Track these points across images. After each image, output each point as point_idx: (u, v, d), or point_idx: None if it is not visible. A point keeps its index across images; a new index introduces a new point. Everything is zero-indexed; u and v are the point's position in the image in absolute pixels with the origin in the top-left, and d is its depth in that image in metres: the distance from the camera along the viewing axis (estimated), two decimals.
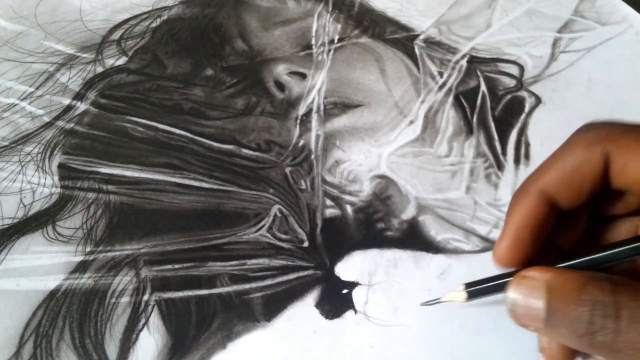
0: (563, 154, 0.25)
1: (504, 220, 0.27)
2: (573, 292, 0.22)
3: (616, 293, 0.21)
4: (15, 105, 0.41)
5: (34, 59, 0.44)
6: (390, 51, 0.45)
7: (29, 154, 0.38)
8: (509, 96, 0.42)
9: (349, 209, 0.36)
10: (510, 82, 0.42)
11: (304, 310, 0.32)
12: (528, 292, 0.23)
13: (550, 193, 0.25)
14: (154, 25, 0.47)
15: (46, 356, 0.30)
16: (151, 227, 0.35)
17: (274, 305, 0.32)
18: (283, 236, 0.35)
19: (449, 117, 0.40)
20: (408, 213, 0.36)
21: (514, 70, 0.43)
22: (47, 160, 0.38)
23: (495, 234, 0.35)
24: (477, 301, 0.32)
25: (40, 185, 0.37)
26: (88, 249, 0.34)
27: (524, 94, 0.42)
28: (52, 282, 0.32)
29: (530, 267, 0.24)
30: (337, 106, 0.41)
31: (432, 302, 0.29)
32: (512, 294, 0.24)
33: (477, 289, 0.27)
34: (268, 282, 0.33)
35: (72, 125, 0.40)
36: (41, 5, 0.48)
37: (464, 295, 0.27)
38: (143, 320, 0.31)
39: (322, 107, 0.41)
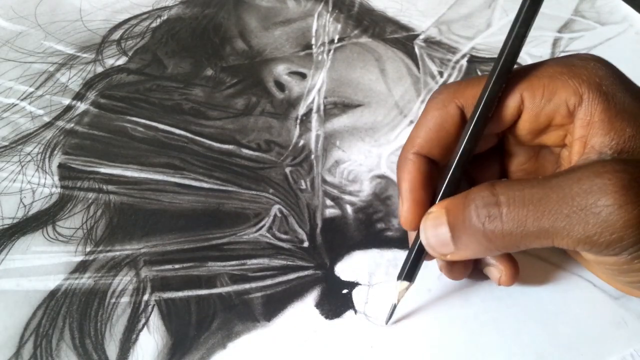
0: (425, 118, 0.29)
1: (398, 189, 0.30)
2: (460, 201, 0.26)
3: (492, 186, 0.25)
4: (15, 105, 0.41)
5: (34, 59, 0.44)
6: (390, 51, 0.45)
7: (29, 154, 0.38)
8: None
9: (349, 209, 0.36)
10: None
11: (304, 310, 0.32)
12: (434, 224, 0.27)
13: (425, 153, 0.29)
14: (154, 25, 0.47)
15: (46, 356, 0.30)
16: (151, 227, 0.35)
17: (274, 305, 0.32)
18: (283, 236, 0.35)
19: None
20: None
21: None
22: (47, 160, 0.38)
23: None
24: (477, 301, 0.32)
25: (40, 185, 0.37)
26: (88, 249, 0.34)
27: None
28: (52, 282, 0.32)
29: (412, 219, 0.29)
30: (337, 106, 0.41)
31: (390, 315, 0.30)
32: (423, 231, 0.28)
33: (408, 269, 0.29)
34: (268, 282, 0.33)
35: (72, 125, 0.40)
36: (41, 5, 0.48)
37: (404, 284, 0.29)
38: (143, 320, 0.31)
39: (322, 107, 0.41)
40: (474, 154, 0.28)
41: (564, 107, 0.27)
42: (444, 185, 0.28)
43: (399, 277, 0.30)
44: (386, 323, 0.31)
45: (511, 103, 0.28)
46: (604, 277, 0.31)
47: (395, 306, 0.30)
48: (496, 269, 0.30)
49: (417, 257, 0.29)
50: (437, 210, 0.27)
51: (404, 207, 0.29)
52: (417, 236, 0.29)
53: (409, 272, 0.29)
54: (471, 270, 0.31)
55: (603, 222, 0.23)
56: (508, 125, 0.29)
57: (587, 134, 0.26)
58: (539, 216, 0.24)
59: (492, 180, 0.26)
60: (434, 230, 0.27)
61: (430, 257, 0.30)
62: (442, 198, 0.28)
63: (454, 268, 0.30)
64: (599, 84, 0.26)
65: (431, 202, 0.29)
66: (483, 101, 0.27)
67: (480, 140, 0.28)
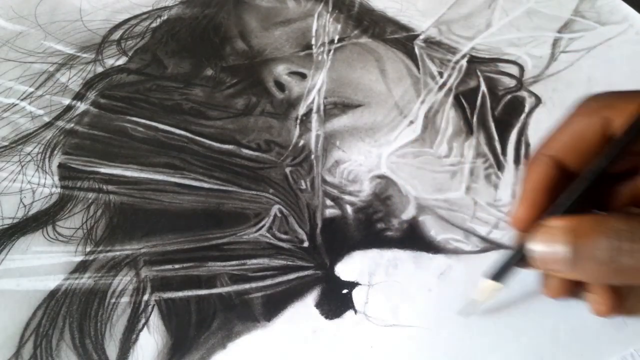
0: (568, 123, 0.28)
1: (522, 187, 0.29)
2: (594, 228, 0.25)
3: (630, 220, 0.24)
4: (15, 105, 0.41)
5: (34, 59, 0.44)
6: (390, 51, 0.45)
7: (29, 154, 0.38)
8: (509, 96, 0.42)
9: (349, 209, 0.36)
10: (510, 82, 0.42)
11: (304, 310, 0.32)
12: (551, 238, 0.26)
13: (558, 158, 0.28)
14: (154, 25, 0.47)
15: (46, 356, 0.30)
16: (151, 227, 0.35)
17: (274, 305, 0.32)
18: (283, 236, 0.35)
19: (449, 117, 0.40)
20: (408, 213, 0.36)
21: (514, 70, 0.43)
22: (47, 160, 0.38)
23: (495, 235, 0.35)
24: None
25: (40, 185, 0.37)
26: (88, 249, 0.34)
27: (524, 94, 0.42)
28: (52, 282, 0.32)
29: (545, 219, 0.27)
30: (337, 106, 0.41)
31: (469, 309, 0.30)
32: (536, 243, 0.26)
33: (501, 270, 0.29)
34: (268, 282, 0.33)
35: (72, 125, 0.40)
36: (41, 5, 0.48)
37: (495, 285, 0.29)
38: (143, 320, 0.31)
39: (322, 107, 0.41)
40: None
41: None
42: (571, 197, 0.27)
43: (489, 277, 0.29)
44: (465, 315, 0.31)
45: None
46: None
47: (475, 302, 0.30)
48: (598, 297, 0.29)
49: (513, 261, 0.28)
50: (558, 226, 0.26)
51: (521, 207, 0.28)
52: (521, 242, 0.28)
53: (500, 275, 0.29)
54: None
55: None
56: None
57: None
58: None
59: (629, 211, 0.25)
60: (551, 245, 0.26)
61: (526, 266, 0.28)
62: (565, 211, 0.27)
63: (555, 286, 0.30)
64: None
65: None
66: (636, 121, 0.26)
67: (622, 157, 0.27)
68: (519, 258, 0.28)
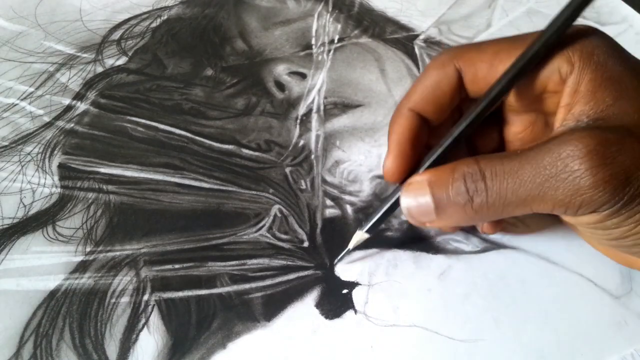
0: (423, 77, 0.30)
1: (388, 140, 0.31)
2: (447, 176, 0.27)
3: (478, 161, 0.26)
4: (15, 105, 0.41)
5: (34, 59, 0.44)
6: (390, 51, 0.45)
7: (29, 154, 0.38)
8: None
9: (349, 209, 0.36)
10: None
11: (304, 310, 0.32)
12: (415, 193, 0.28)
13: (418, 110, 0.30)
14: (154, 25, 0.47)
15: (46, 356, 0.30)
16: (151, 227, 0.35)
17: (274, 305, 0.32)
18: (283, 236, 0.35)
19: None
20: None
21: None
22: (47, 160, 0.38)
23: (495, 234, 0.35)
24: (477, 301, 0.32)
25: (40, 185, 0.37)
26: (88, 249, 0.34)
27: None
28: (52, 282, 0.32)
29: (395, 174, 0.30)
30: (337, 106, 0.41)
31: (341, 258, 0.33)
32: (404, 199, 0.29)
33: (373, 222, 0.31)
34: (268, 282, 0.33)
35: (72, 125, 0.40)
36: (41, 5, 0.48)
37: (364, 235, 0.32)
38: (143, 320, 0.31)
39: (322, 107, 0.41)
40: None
41: (556, 75, 0.27)
42: (434, 155, 0.29)
43: (361, 228, 0.32)
44: (335, 263, 0.33)
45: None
46: (591, 241, 0.32)
47: (348, 251, 0.33)
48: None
49: (386, 214, 0.31)
50: (420, 181, 0.28)
51: (389, 158, 0.30)
52: (392, 195, 0.30)
53: (372, 227, 0.31)
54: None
55: (572, 187, 0.25)
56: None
57: (572, 102, 0.27)
58: (517, 187, 0.26)
59: (476, 156, 0.27)
60: (415, 199, 0.28)
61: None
62: (429, 167, 0.29)
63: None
64: (590, 54, 0.27)
65: (415, 160, 0.30)
66: (511, 73, 0.27)
67: (484, 117, 0.29)
68: (389, 212, 0.31)
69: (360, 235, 0.32)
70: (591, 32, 0.27)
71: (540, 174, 0.25)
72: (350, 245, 0.32)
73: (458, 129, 0.28)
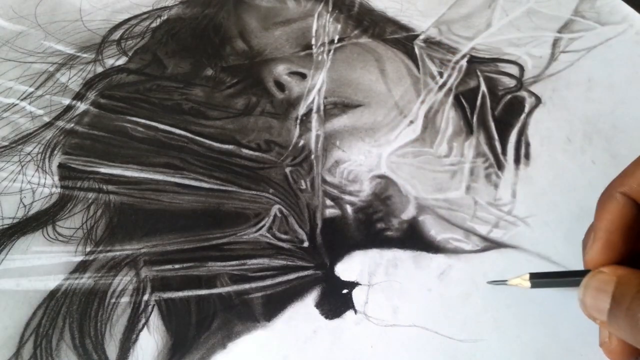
0: None
1: (594, 225, 0.27)
2: (634, 287, 0.23)
3: None
4: (15, 105, 0.41)
5: (34, 59, 0.44)
6: (390, 51, 0.45)
7: (29, 154, 0.38)
8: (509, 96, 0.42)
9: (349, 209, 0.36)
10: (510, 82, 0.42)
11: (304, 310, 0.31)
12: (599, 286, 0.25)
13: (634, 196, 0.26)
14: (154, 25, 0.47)
15: (46, 356, 0.30)
16: (151, 227, 0.35)
17: (274, 305, 0.32)
18: (283, 236, 0.35)
19: (449, 117, 0.40)
20: (408, 213, 0.36)
21: (514, 70, 0.43)
22: (47, 160, 0.38)
23: (495, 234, 0.35)
24: (477, 301, 0.32)
25: (40, 185, 0.37)
26: (88, 249, 0.34)
27: (524, 94, 0.42)
28: (52, 282, 0.32)
29: (598, 264, 0.26)
30: (337, 106, 0.41)
31: (498, 282, 0.31)
32: (583, 288, 0.26)
33: (543, 281, 0.30)
34: (268, 282, 0.33)
35: (72, 125, 0.40)
36: (41, 5, 0.48)
37: (528, 284, 0.30)
38: (143, 320, 0.31)
39: (322, 107, 0.41)
40: None
41: None
42: None
43: (532, 277, 0.30)
44: (488, 283, 0.32)
45: None
46: None
47: (504, 283, 0.31)
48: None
49: (557, 283, 0.30)
50: (609, 275, 0.25)
51: (595, 247, 0.27)
52: (572, 273, 0.28)
53: (539, 283, 0.30)
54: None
55: None
56: None
57: None
58: None
59: None
60: (596, 292, 0.25)
61: None
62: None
63: (615, 347, 0.28)
64: None
65: (625, 250, 0.27)
66: None
67: None
68: (566, 282, 0.29)
69: (521, 282, 0.30)
70: None
71: None
72: (511, 283, 0.30)
73: None
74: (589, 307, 0.26)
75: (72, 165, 0.38)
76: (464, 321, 0.31)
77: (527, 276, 0.30)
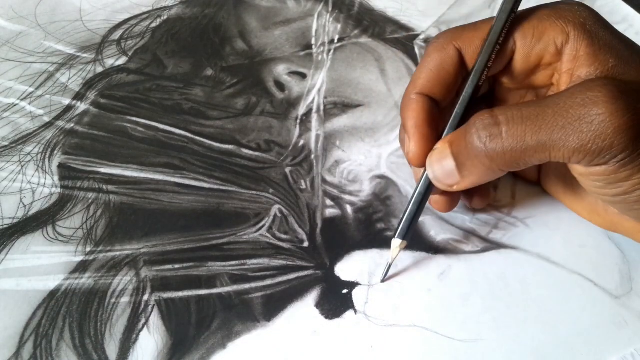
0: (426, 60, 0.31)
1: (403, 129, 0.32)
2: (463, 131, 0.28)
3: (491, 110, 0.27)
4: (15, 105, 0.41)
5: (34, 59, 0.44)
6: (390, 51, 0.45)
7: (29, 154, 0.38)
8: None
9: (349, 209, 0.36)
10: None
11: (304, 310, 0.32)
12: (439, 157, 0.29)
13: (426, 92, 0.31)
14: (154, 25, 0.47)
15: (46, 356, 0.30)
16: (151, 227, 0.35)
17: (274, 305, 0.32)
18: (283, 236, 0.35)
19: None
20: None
21: None
22: (47, 160, 0.38)
23: (495, 235, 0.35)
24: (477, 301, 0.32)
25: (40, 185, 0.37)
26: (88, 249, 0.34)
27: None
28: (52, 282, 0.32)
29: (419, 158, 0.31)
30: (337, 106, 0.41)
31: (385, 274, 0.32)
32: (429, 167, 0.30)
33: (403, 226, 0.31)
34: (268, 282, 0.33)
35: (72, 125, 0.40)
36: (41, 5, 0.48)
37: (401, 242, 0.31)
38: (143, 320, 0.31)
39: (322, 107, 0.41)
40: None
41: (552, 46, 0.29)
42: (450, 121, 0.30)
43: (396, 236, 0.31)
44: (382, 281, 0.32)
45: (505, 46, 0.30)
46: (591, 201, 0.33)
47: (389, 265, 0.32)
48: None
49: (415, 213, 0.31)
50: (442, 145, 0.29)
51: (412, 143, 0.31)
52: (417, 186, 0.31)
53: (403, 229, 0.31)
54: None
55: (596, 130, 0.25)
56: (503, 67, 0.31)
57: (574, 67, 0.29)
58: (536, 130, 0.26)
59: (491, 108, 0.28)
60: (439, 163, 0.29)
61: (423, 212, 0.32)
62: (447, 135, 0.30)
63: (445, 200, 0.32)
64: (583, 24, 0.29)
65: (436, 140, 0.30)
66: (488, 43, 0.30)
67: (483, 79, 0.30)
68: (417, 208, 0.31)
69: (397, 244, 0.31)
70: (578, 5, 0.30)
71: (563, 116, 0.26)
72: (391, 259, 0.32)
73: (467, 92, 0.30)
74: (441, 178, 0.30)
75: (72, 165, 0.38)
76: (464, 321, 0.31)
77: (394, 241, 0.31)
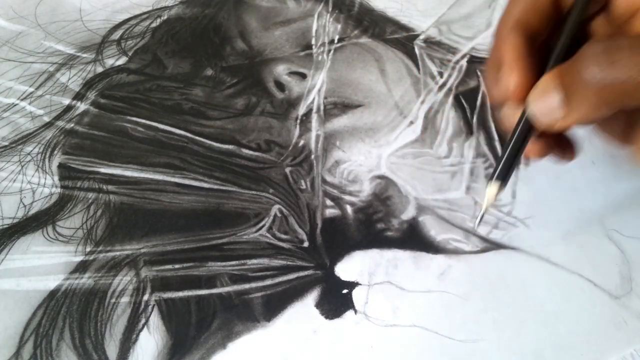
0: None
1: (493, 67, 0.29)
2: (573, 62, 0.25)
3: (605, 40, 0.25)
4: (15, 105, 0.41)
5: (34, 59, 0.44)
6: (390, 51, 0.45)
7: (29, 154, 0.38)
8: None
9: (349, 209, 0.36)
10: None
11: (304, 310, 0.32)
12: (542, 91, 0.27)
13: (523, 23, 0.29)
14: (154, 25, 0.47)
15: (46, 356, 0.30)
16: (151, 227, 0.35)
17: (274, 305, 0.32)
18: (283, 236, 0.35)
19: (449, 118, 0.40)
20: (408, 213, 0.36)
21: None
22: (47, 160, 0.38)
23: (495, 235, 0.35)
24: (477, 301, 0.32)
25: (40, 185, 0.37)
26: (88, 249, 0.34)
27: None
28: (52, 282, 0.32)
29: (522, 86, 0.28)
30: (337, 106, 0.41)
31: (480, 218, 0.29)
32: (531, 103, 0.27)
33: (502, 168, 0.28)
34: (268, 282, 0.33)
35: (72, 125, 0.40)
36: (41, 5, 0.48)
37: (497, 186, 0.28)
38: (143, 320, 0.31)
39: (322, 107, 0.41)
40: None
41: None
42: (555, 52, 0.28)
43: (490, 178, 0.28)
44: (475, 227, 0.31)
45: None
46: None
47: (484, 212, 0.29)
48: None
49: (515, 156, 0.28)
50: (548, 77, 0.27)
51: (514, 76, 0.28)
52: (516, 127, 0.28)
53: (502, 172, 0.28)
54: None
55: None
56: (601, 5, 0.29)
57: None
58: None
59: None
60: (544, 97, 0.27)
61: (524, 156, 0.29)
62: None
63: (540, 146, 0.29)
64: None
65: (537, 74, 0.28)
66: None
67: (588, 8, 0.28)
68: (517, 149, 0.28)
69: (495, 187, 0.28)
70: None
71: None
72: (486, 203, 0.28)
73: (571, 22, 0.28)
74: (544, 114, 0.27)
75: (72, 165, 0.38)
76: (464, 321, 0.31)
77: (490, 185, 0.28)
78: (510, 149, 0.28)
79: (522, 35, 0.29)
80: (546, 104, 0.27)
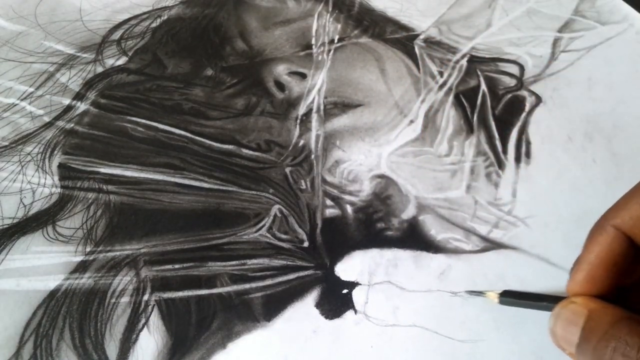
0: (636, 192, 0.25)
1: (581, 255, 0.26)
2: (604, 325, 0.23)
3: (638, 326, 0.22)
4: (15, 105, 0.41)
5: (34, 59, 0.44)
6: (390, 51, 0.45)
7: (29, 154, 0.38)
8: (509, 95, 0.42)
9: (349, 208, 0.36)
10: (511, 82, 0.42)
11: (304, 310, 0.31)
12: (569, 317, 0.25)
13: (626, 230, 0.25)
14: (154, 25, 0.47)
15: (46, 356, 0.30)
16: (151, 227, 0.35)
17: (274, 305, 0.32)
18: (283, 236, 0.35)
19: (449, 117, 0.40)
20: (408, 213, 0.36)
21: (514, 69, 0.43)
22: (47, 160, 0.38)
23: (495, 234, 0.34)
24: (477, 301, 0.32)
25: (40, 185, 0.37)
26: (88, 249, 0.34)
27: (524, 93, 0.42)
28: (52, 282, 0.32)
29: (579, 295, 0.26)
30: (337, 106, 0.41)
31: (474, 293, 0.31)
32: (553, 317, 0.25)
33: (513, 301, 0.30)
34: (268, 282, 0.33)
35: (72, 125, 0.40)
36: (41, 5, 0.48)
37: (497, 300, 0.30)
38: (143, 320, 0.31)
39: (322, 107, 0.41)
40: None
41: None
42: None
43: (504, 294, 0.30)
44: (466, 292, 0.32)
45: None
46: None
47: (480, 294, 0.31)
48: None
49: (527, 305, 0.30)
50: (581, 307, 0.24)
51: (577, 277, 0.26)
52: (543, 297, 0.28)
53: (509, 302, 0.30)
54: None
55: None
56: None
57: None
58: None
59: None
60: (566, 323, 0.25)
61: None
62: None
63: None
64: None
65: (609, 283, 0.25)
66: None
67: None
68: (538, 306, 0.28)
69: (494, 297, 0.31)
70: None
71: None
72: (488, 297, 0.31)
73: None
74: (559, 337, 0.25)
75: (72, 165, 0.38)
76: (463, 321, 0.31)
77: (497, 292, 0.30)
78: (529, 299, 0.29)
79: (616, 241, 0.25)
80: (564, 332, 0.25)
